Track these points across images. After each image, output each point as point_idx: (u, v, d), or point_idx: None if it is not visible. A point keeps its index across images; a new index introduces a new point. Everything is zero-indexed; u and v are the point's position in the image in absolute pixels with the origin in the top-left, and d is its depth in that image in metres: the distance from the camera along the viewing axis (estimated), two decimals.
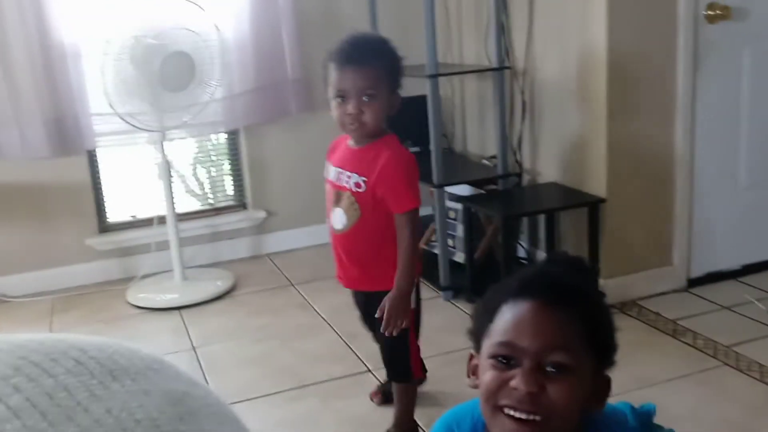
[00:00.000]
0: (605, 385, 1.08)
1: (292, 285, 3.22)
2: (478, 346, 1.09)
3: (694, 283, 2.86)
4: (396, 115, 1.84)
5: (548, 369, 0.99)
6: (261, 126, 3.51)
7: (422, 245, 3.35)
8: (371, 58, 1.77)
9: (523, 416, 0.99)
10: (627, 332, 2.73)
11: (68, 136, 3.13)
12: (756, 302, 2.66)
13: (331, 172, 1.90)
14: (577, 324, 1.02)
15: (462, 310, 2.78)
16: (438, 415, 2.00)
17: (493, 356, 1.03)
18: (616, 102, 2.61)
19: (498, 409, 1.01)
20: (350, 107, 1.75)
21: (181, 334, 2.78)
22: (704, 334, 2.46)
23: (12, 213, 3.23)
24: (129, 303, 3.11)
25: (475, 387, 1.08)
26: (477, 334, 1.09)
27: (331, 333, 2.68)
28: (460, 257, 3.07)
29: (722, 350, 2.34)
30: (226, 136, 3.60)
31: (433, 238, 3.29)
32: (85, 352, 0.46)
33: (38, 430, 0.36)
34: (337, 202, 1.87)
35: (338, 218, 1.88)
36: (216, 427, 0.43)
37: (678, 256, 2.82)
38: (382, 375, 2.31)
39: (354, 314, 2.95)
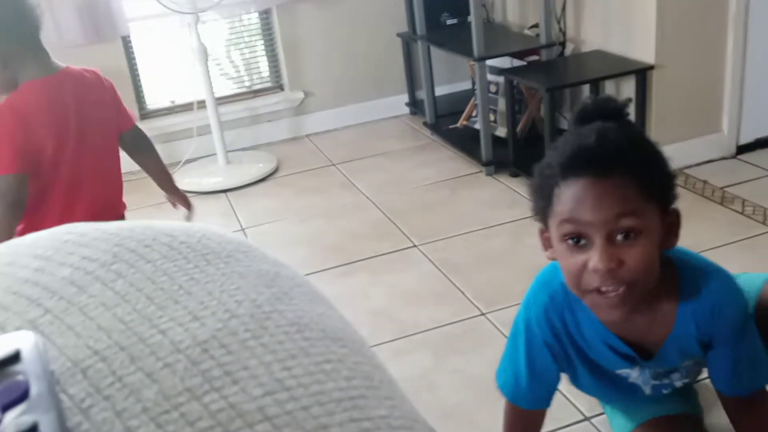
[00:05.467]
0: (675, 219, 1.11)
1: (334, 165, 3.24)
2: (545, 223, 1.11)
3: (743, 149, 2.79)
4: None
5: (618, 238, 1.01)
6: (294, 4, 3.42)
7: (463, 121, 3.30)
8: None
9: (611, 292, 1.03)
10: None
11: (100, 21, 3.11)
12: None
13: None
14: (631, 183, 1.02)
15: (505, 184, 2.78)
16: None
17: (563, 237, 1.05)
18: None
19: (586, 291, 1.06)
20: None
21: (230, 216, 2.84)
22: (753, 200, 2.43)
23: None
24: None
25: (553, 258, 1.13)
26: (540, 213, 1.11)
27: (375, 210, 2.71)
28: (501, 132, 3.03)
29: None
30: (258, 16, 3.53)
31: (474, 114, 3.25)
32: (174, 237, 0.47)
33: (148, 314, 0.37)
34: None
35: None
36: (309, 305, 0.44)
37: (727, 122, 2.74)
38: (427, 249, 2.35)
39: (396, 190, 2.96)
